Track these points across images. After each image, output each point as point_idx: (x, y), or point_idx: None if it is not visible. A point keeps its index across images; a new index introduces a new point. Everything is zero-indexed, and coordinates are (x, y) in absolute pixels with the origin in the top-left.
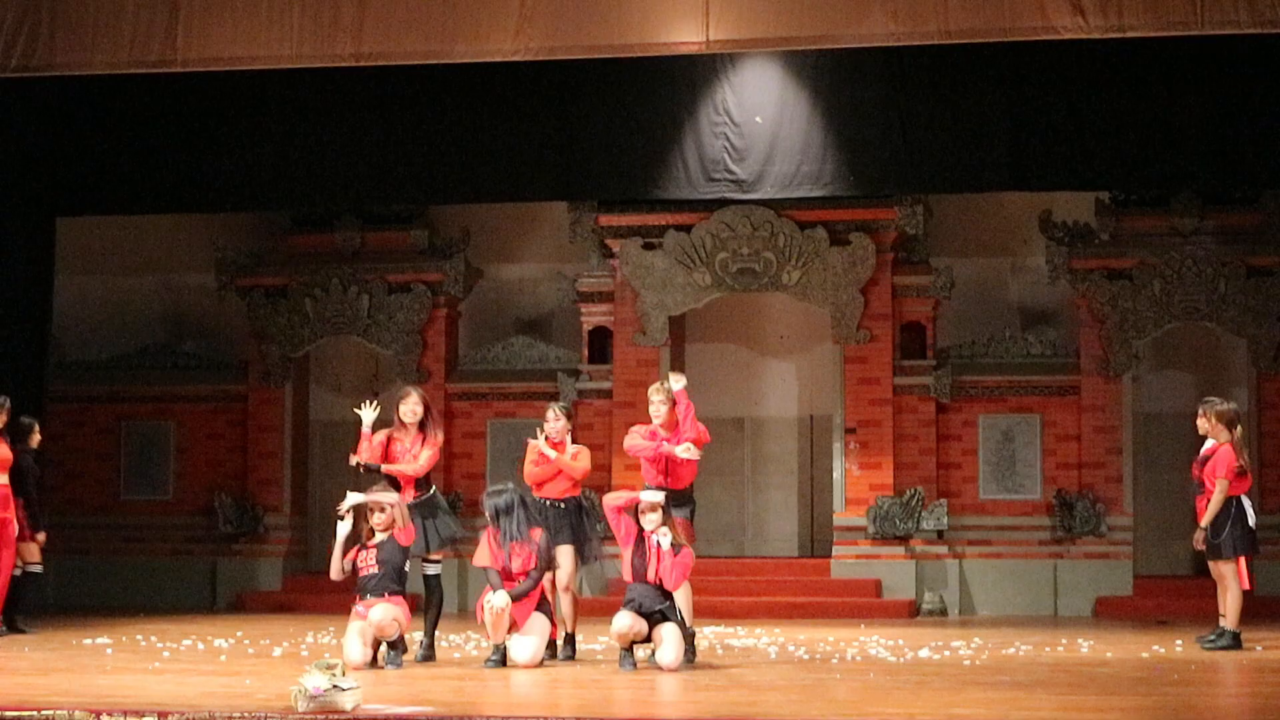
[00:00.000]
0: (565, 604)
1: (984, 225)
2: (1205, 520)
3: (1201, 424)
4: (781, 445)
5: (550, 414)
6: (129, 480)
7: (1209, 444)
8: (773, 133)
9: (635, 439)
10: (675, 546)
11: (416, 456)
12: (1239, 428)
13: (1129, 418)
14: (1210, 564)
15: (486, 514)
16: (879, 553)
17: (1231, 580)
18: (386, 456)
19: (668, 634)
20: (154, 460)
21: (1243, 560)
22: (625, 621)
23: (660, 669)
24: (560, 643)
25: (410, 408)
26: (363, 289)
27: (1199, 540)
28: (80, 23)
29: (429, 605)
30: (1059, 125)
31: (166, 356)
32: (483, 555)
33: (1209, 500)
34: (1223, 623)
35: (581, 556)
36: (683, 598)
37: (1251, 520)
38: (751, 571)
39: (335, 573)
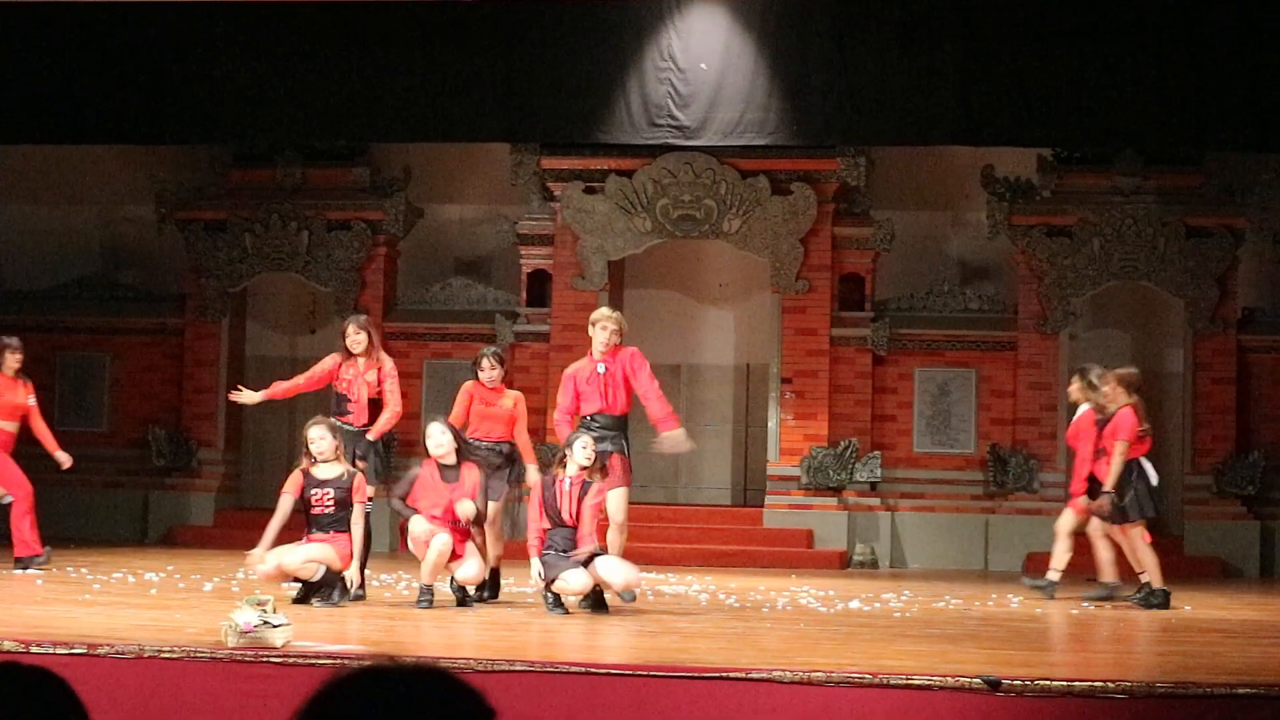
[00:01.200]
0: (490, 539)
1: (926, 179)
2: (1109, 484)
3: (1074, 391)
4: (718, 393)
5: (485, 363)
6: (63, 411)
7: (1082, 409)
8: (717, 80)
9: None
10: (585, 485)
11: (370, 384)
12: (1136, 393)
13: (1064, 375)
14: (1116, 527)
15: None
16: (812, 503)
17: (1139, 541)
18: (334, 379)
19: (608, 564)
20: (89, 392)
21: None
22: (582, 580)
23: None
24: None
25: (353, 337)
26: (302, 225)
27: (1105, 506)
28: None
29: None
30: (1007, 80)
31: (103, 288)
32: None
33: (1100, 465)
34: (1144, 578)
35: (507, 497)
36: (617, 544)
37: (1154, 479)
38: (684, 519)
39: (285, 506)
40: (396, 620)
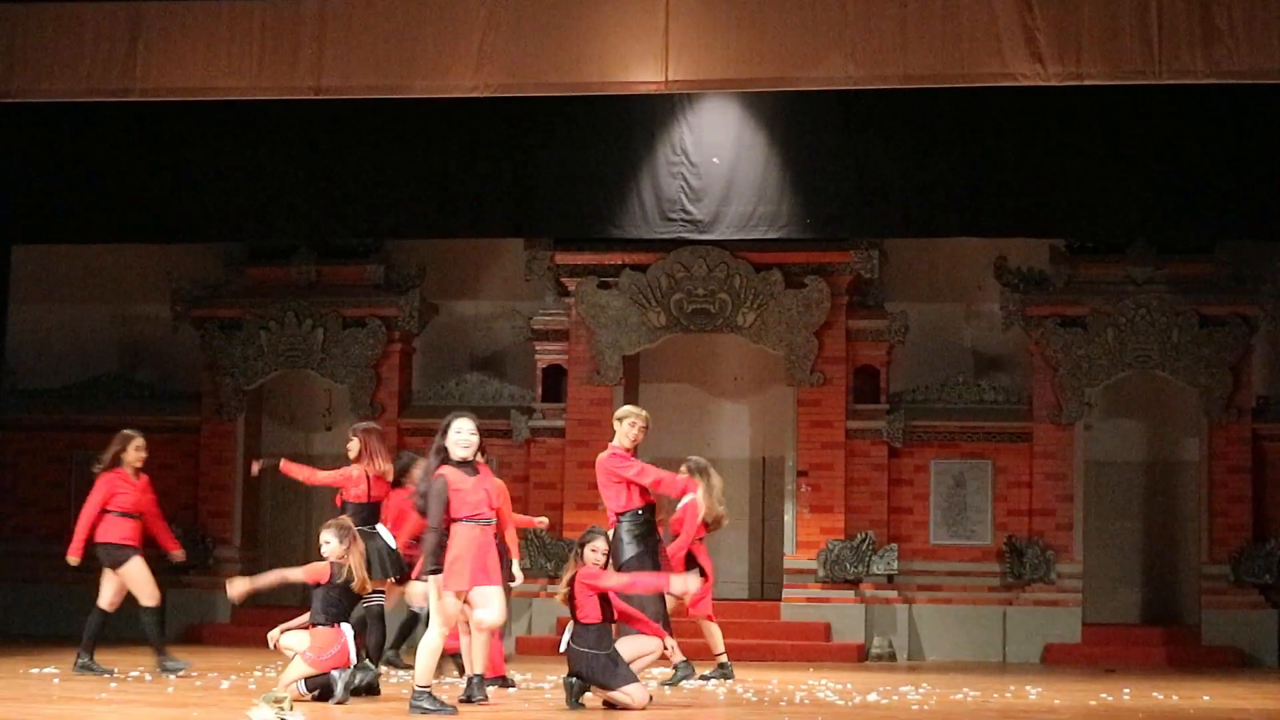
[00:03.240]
0: (485, 644)
1: (939, 270)
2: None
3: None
4: (734, 487)
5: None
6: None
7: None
8: (730, 174)
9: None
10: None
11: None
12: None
13: (1080, 465)
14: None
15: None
16: (829, 596)
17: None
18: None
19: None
20: None
21: None
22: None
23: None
24: (474, 684)
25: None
26: (317, 322)
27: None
28: (40, 50)
29: (371, 635)
30: (1013, 172)
31: (120, 386)
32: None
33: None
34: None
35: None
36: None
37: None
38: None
39: (239, 591)
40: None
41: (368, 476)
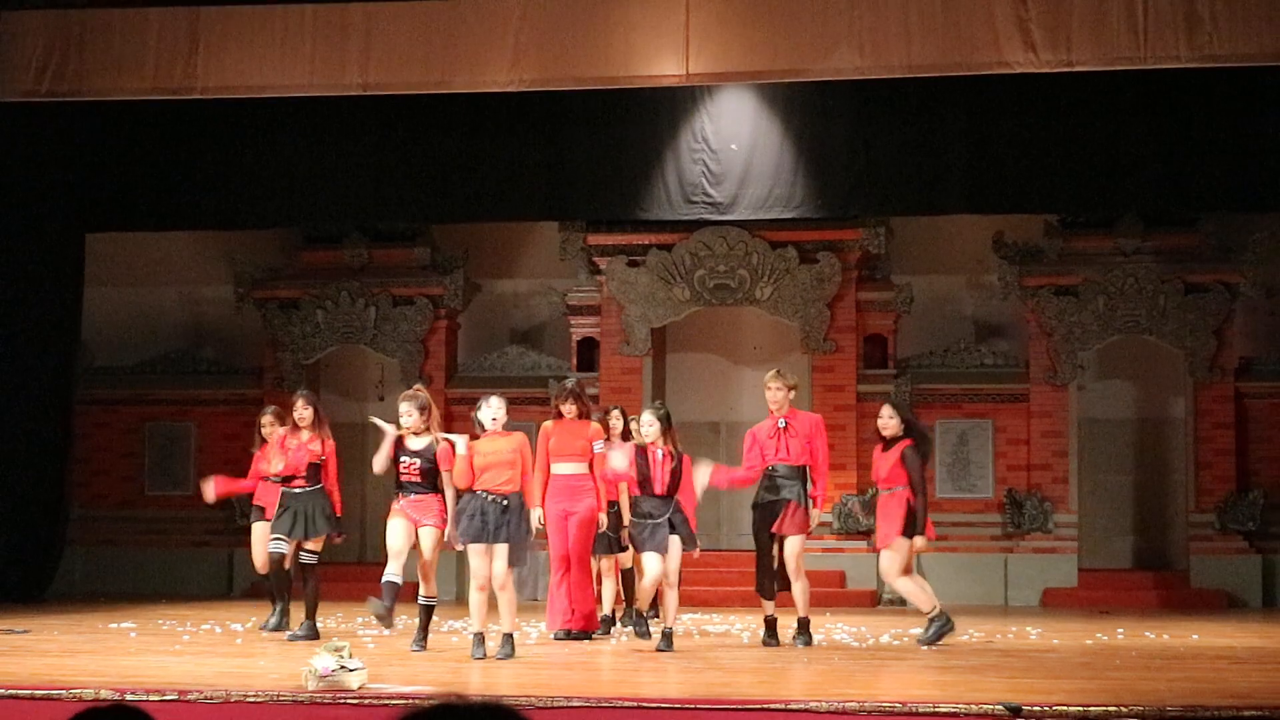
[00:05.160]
0: (504, 602)
1: (942, 245)
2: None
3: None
4: None
5: (495, 402)
6: (152, 477)
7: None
8: (747, 159)
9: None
10: (674, 454)
11: (314, 453)
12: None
13: (1075, 423)
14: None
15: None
16: (844, 546)
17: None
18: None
19: (672, 547)
20: (175, 458)
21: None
22: (657, 567)
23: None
24: (497, 642)
25: (298, 412)
26: (369, 301)
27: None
28: (106, 51)
29: (308, 589)
30: (1011, 153)
31: (187, 363)
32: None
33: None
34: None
35: (513, 558)
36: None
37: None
38: (726, 563)
39: (380, 466)
40: (461, 663)
41: (322, 440)
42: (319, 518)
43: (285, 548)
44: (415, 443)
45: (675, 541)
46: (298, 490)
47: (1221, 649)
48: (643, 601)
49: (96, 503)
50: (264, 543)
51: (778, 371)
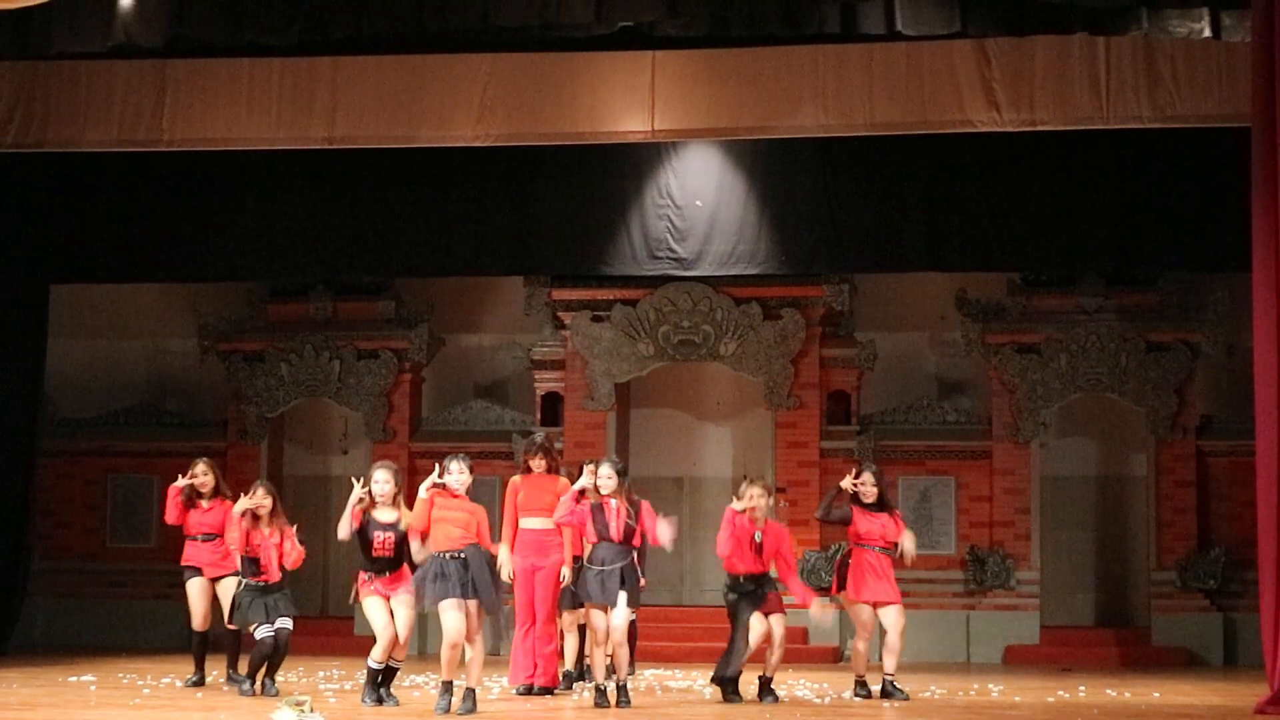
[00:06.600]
0: (472, 655)
1: (905, 302)
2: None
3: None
4: (717, 503)
5: (455, 466)
6: (115, 529)
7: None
8: (712, 215)
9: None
10: (628, 508)
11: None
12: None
13: (1037, 480)
14: None
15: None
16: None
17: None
18: (249, 543)
19: (620, 602)
20: (138, 511)
21: None
22: (602, 624)
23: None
24: (459, 697)
25: (258, 500)
26: (334, 355)
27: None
28: (72, 103)
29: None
30: (972, 211)
31: (151, 415)
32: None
33: None
34: None
35: (487, 606)
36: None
37: None
38: (689, 619)
39: (344, 533)
40: (425, 718)
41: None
42: (284, 604)
43: (290, 625)
44: (386, 515)
45: (622, 597)
46: (264, 584)
47: (1182, 706)
48: (598, 668)
49: (59, 554)
50: (203, 598)
51: (762, 480)
